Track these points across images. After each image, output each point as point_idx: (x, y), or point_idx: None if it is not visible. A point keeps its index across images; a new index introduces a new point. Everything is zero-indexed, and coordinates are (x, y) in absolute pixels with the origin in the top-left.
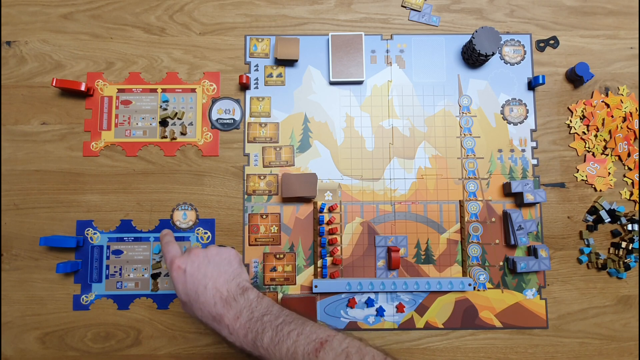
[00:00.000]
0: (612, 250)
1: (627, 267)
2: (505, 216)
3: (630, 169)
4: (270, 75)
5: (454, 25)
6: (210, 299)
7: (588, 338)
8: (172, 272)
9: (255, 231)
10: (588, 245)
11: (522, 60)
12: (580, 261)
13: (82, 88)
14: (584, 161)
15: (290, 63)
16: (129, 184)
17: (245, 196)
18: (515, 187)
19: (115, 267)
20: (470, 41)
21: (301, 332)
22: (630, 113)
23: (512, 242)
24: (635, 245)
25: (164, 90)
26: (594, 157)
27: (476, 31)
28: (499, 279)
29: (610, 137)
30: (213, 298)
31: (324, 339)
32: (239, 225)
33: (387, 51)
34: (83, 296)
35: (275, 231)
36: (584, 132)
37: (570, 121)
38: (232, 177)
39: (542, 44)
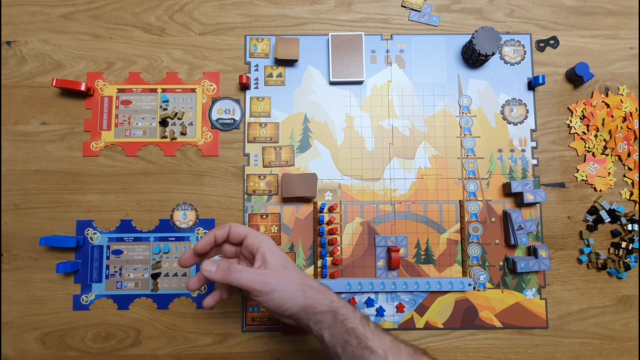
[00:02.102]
0: (612, 250)
1: (627, 267)
2: (505, 216)
3: (630, 169)
4: (270, 75)
5: (454, 25)
6: (304, 274)
7: (588, 338)
8: (267, 244)
9: None
10: (588, 245)
11: (522, 60)
12: (580, 261)
13: (82, 88)
14: (584, 161)
15: (290, 63)
16: (129, 184)
17: (245, 196)
18: (515, 187)
19: (115, 267)
20: (470, 41)
21: (393, 335)
22: (630, 113)
23: (512, 242)
24: (635, 245)
25: (164, 90)
26: (594, 157)
27: (476, 31)
28: (499, 279)
29: (610, 137)
30: (307, 275)
31: (417, 350)
32: None
33: (387, 51)
34: (83, 296)
35: (275, 231)
36: (584, 132)
37: (570, 121)
38: (232, 177)
39: (542, 44)
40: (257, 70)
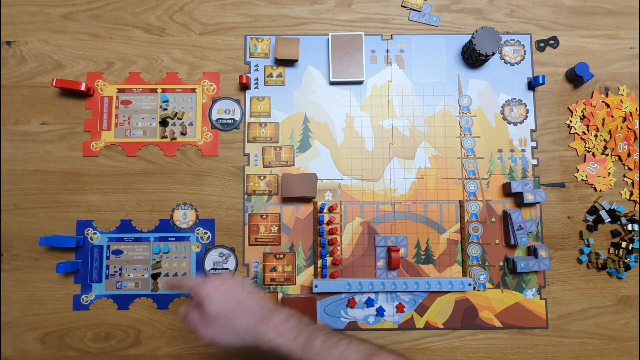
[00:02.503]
0: (612, 250)
1: (627, 267)
2: (505, 216)
3: (630, 169)
4: (270, 75)
5: (454, 25)
6: (254, 304)
7: (588, 338)
8: (205, 292)
9: (255, 231)
10: (588, 245)
11: (522, 60)
12: (580, 261)
13: (82, 88)
14: (584, 161)
15: (290, 63)
16: (129, 184)
17: (245, 196)
18: (515, 187)
19: (115, 267)
20: (470, 41)
21: (350, 342)
22: (630, 113)
23: (512, 242)
24: (635, 245)
25: (164, 90)
26: (594, 157)
27: (476, 31)
28: (499, 279)
29: (610, 137)
30: (257, 304)
31: (374, 352)
32: (239, 225)
33: (387, 51)
34: (83, 296)
35: (275, 231)
36: (584, 132)
37: (570, 121)
38: (232, 177)
39: (542, 44)
40: (257, 70)
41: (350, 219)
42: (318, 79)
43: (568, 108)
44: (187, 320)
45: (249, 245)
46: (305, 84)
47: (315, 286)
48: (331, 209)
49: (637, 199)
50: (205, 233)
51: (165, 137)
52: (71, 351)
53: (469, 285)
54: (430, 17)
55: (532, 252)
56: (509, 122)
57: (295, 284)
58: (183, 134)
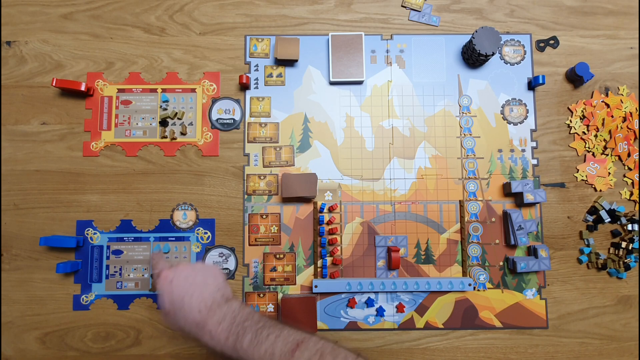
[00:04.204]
0: (612, 250)
1: (627, 267)
2: (505, 216)
3: (630, 169)
4: (270, 75)
5: (454, 25)
6: (195, 306)
7: (588, 338)
8: (159, 283)
9: (255, 231)
10: (588, 245)
11: (522, 60)
12: (580, 261)
13: (82, 88)
14: (584, 161)
15: (290, 63)
16: (129, 184)
17: (245, 196)
18: (515, 187)
19: (115, 267)
20: (470, 41)
21: (279, 335)
22: (630, 113)
23: (512, 242)
24: (635, 245)
25: (164, 90)
26: (594, 157)
27: (476, 31)
28: (499, 279)
29: (610, 137)
30: (198, 306)
31: (300, 340)
32: (239, 225)
33: (387, 51)
34: (83, 296)
35: (275, 231)
36: (584, 132)
37: (570, 121)
38: (232, 177)
39: (542, 44)
40: (257, 70)
41: (350, 219)
42: (318, 79)
43: (568, 108)
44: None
45: (249, 245)
46: (305, 84)
47: (315, 286)
48: (331, 209)
49: (637, 199)
50: (205, 233)
51: (165, 137)
52: (71, 351)
53: (469, 285)
54: (430, 17)
55: (532, 252)
56: (509, 122)
57: (295, 284)
58: (183, 134)
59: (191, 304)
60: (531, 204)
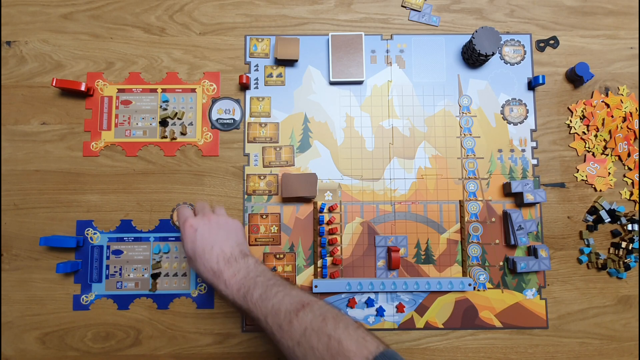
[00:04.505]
0: (612, 250)
1: (627, 267)
2: (505, 216)
3: (630, 169)
4: (270, 75)
5: (454, 25)
6: (214, 257)
7: (588, 338)
8: (185, 229)
9: (255, 231)
10: (588, 245)
11: (522, 60)
12: (580, 261)
13: (82, 88)
14: (584, 161)
15: (290, 63)
16: (129, 184)
17: (245, 196)
18: (515, 187)
19: (115, 267)
20: (470, 41)
21: (288, 294)
22: (630, 113)
23: (512, 242)
24: (635, 245)
25: (164, 90)
26: (594, 157)
27: (476, 31)
28: (499, 279)
29: (610, 137)
30: (217, 257)
31: (306, 302)
32: None
33: (387, 51)
34: (83, 296)
35: (275, 231)
36: (584, 132)
37: (570, 121)
38: (232, 177)
39: (542, 44)
40: (257, 70)
41: (350, 219)
42: (318, 79)
43: (568, 108)
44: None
45: (249, 245)
46: (305, 84)
47: (315, 286)
48: (331, 209)
49: (637, 199)
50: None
51: (165, 137)
52: (71, 351)
53: (469, 285)
54: (430, 17)
55: (532, 252)
56: (509, 122)
57: (295, 284)
58: (183, 134)
59: (211, 254)
60: (531, 204)
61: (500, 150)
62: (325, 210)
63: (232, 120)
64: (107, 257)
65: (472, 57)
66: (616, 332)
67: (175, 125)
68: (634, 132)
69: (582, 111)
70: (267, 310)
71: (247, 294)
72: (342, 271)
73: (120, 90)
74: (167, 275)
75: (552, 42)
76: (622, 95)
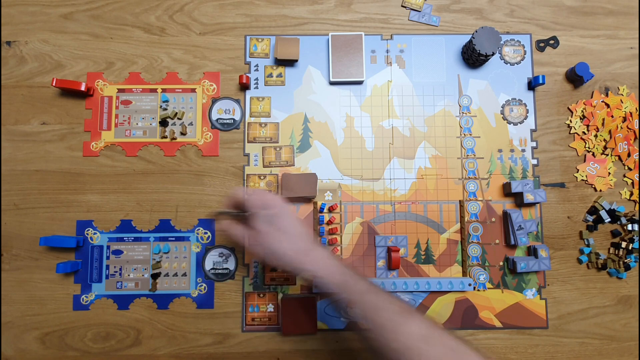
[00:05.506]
0: (612, 250)
1: (627, 267)
2: (505, 216)
3: (630, 169)
4: (270, 75)
5: (454, 25)
6: (305, 234)
7: (588, 338)
8: (278, 209)
9: None
10: (588, 245)
11: (522, 60)
12: (580, 261)
13: (82, 88)
14: (584, 161)
15: (290, 63)
16: (129, 184)
17: None
18: (515, 187)
19: (115, 267)
20: (470, 41)
21: (390, 295)
22: (630, 113)
23: (512, 242)
24: (635, 245)
25: (164, 90)
26: (594, 157)
27: (476, 31)
28: (499, 279)
29: (610, 137)
30: (305, 235)
31: (409, 315)
32: None
33: (387, 51)
34: (83, 296)
35: None
36: (584, 132)
37: (570, 121)
38: (232, 177)
39: (542, 44)
40: (257, 70)
41: (350, 219)
42: (318, 79)
43: (568, 108)
44: (234, 234)
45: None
46: (305, 84)
47: (315, 286)
48: (331, 209)
49: (637, 199)
50: (205, 233)
51: (165, 137)
52: (71, 351)
53: (469, 285)
54: (430, 17)
55: (532, 252)
56: (509, 122)
57: (295, 284)
58: (183, 134)
59: (301, 230)
60: (531, 204)
61: (500, 150)
62: (325, 210)
63: (232, 120)
64: (107, 257)
65: (472, 57)
66: (616, 332)
67: (175, 125)
68: (634, 132)
69: (582, 111)
70: (379, 304)
71: (350, 280)
72: None
73: (120, 90)
74: (167, 275)
75: (552, 42)
76: (622, 95)
